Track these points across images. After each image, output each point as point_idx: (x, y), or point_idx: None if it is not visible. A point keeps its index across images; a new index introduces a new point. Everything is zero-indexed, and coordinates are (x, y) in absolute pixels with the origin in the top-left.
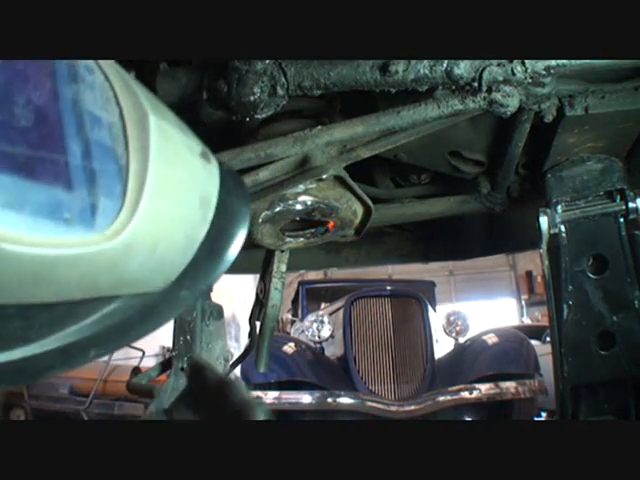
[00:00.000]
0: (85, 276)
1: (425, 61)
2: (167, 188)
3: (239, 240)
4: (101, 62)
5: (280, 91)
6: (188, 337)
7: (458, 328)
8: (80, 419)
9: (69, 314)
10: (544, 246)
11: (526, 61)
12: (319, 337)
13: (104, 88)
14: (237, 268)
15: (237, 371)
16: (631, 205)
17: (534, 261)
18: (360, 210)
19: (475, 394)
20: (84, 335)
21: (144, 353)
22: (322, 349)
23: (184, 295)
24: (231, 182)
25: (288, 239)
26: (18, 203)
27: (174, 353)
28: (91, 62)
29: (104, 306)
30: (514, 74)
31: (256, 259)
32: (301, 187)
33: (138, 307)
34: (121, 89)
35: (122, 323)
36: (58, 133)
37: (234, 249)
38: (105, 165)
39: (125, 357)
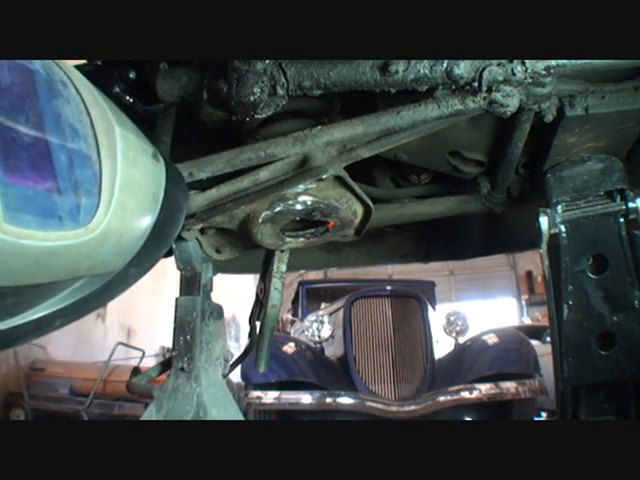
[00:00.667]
0: (72, 262)
1: (425, 61)
2: (130, 187)
3: (179, 227)
4: (71, 73)
5: (280, 91)
6: (188, 337)
7: (458, 328)
8: (80, 419)
9: (46, 291)
10: (544, 246)
11: (526, 61)
12: (319, 337)
13: (76, 101)
14: (237, 268)
15: (237, 371)
16: (631, 205)
17: (534, 261)
18: (360, 210)
19: (475, 394)
20: (55, 308)
21: (144, 353)
22: (322, 349)
23: (133, 272)
24: (174, 177)
25: (288, 239)
26: (26, 207)
27: (174, 353)
28: (63, 75)
29: (72, 284)
30: (514, 74)
31: (256, 259)
32: (301, 187)
33: (98, 283)
34: (90, 101)
35: (84, 297)
36: (49, 146)
37: (175, 235)
38: (84, 170)
39: (125, 357)
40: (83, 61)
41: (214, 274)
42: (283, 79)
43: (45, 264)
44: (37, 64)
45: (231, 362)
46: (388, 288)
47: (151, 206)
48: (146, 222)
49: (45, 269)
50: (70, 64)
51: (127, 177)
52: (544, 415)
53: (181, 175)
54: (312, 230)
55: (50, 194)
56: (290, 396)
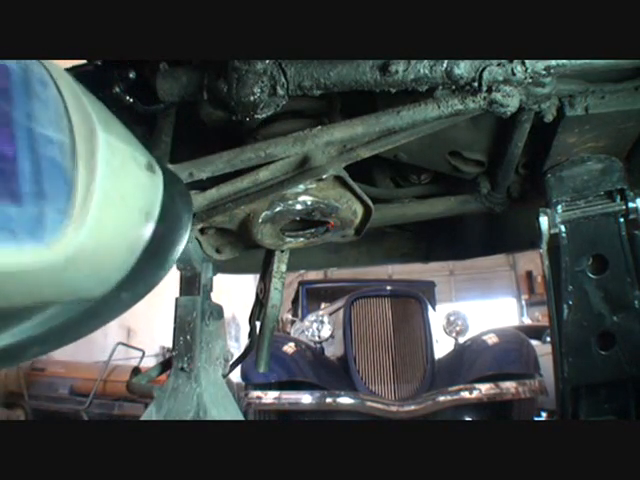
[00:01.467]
0: (30, 287)
1: (425, 61)
2: (113, 202)
3: (181, 245)
4: (55, 72)
5: (280, 91)
6: (188, 337)
7: (458, 328)
8: (80, 419)
9: (10, 317)
10: (544, 246)
11: (526, 61)
12: (319, 337)
13: (57, 103)
14: (237, 268)
15: (237, 371)
16: (631, 205)
17: (534, 261)
18: (360, 210)
19: (475, 394)
20: (26, 335)
21: (144, 353)
22: (322, 349)
23: (124, 297)
24: (175, 190)
25: (288, 239)
26: None
27: (174, 353)
28: (45, 74)
29: (44, 309)
30: (514, 74)
31: (256, 259)
32: (301, 187)
33: (79, 310)
34: (72, 103)
35: (64, 325)
36: (9, 152)
37: (175, 253)
38: (54, 181)
39: (125, 357)
40: (83, 61)
41: (214, 274)
42: (283, 79)
43: None
44: (14, 63)
45: (231, 362)
46: (388, 288)
47: (141, 224)
48: (132, 243)
49: None
50: (70, 64)
51: (109, 190)
52: (544, 415)
53: (184, 186)
54: (312, 230)
55: (2, 205)
56: (290, 396)
